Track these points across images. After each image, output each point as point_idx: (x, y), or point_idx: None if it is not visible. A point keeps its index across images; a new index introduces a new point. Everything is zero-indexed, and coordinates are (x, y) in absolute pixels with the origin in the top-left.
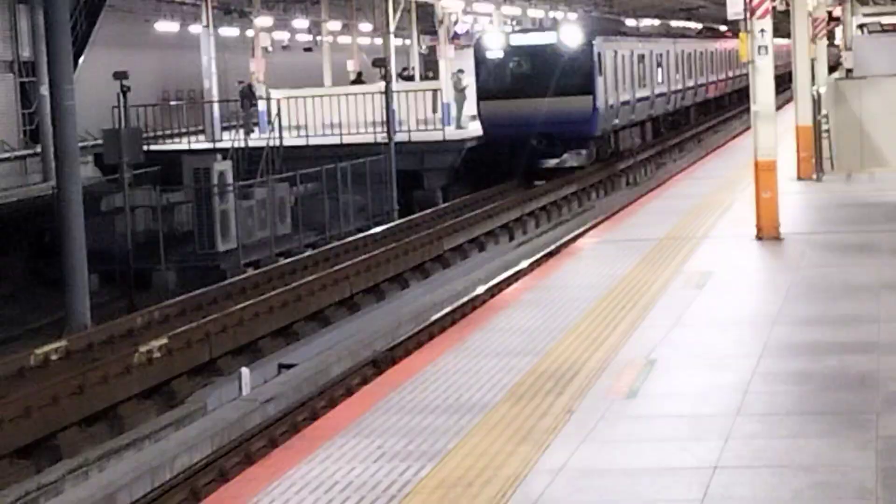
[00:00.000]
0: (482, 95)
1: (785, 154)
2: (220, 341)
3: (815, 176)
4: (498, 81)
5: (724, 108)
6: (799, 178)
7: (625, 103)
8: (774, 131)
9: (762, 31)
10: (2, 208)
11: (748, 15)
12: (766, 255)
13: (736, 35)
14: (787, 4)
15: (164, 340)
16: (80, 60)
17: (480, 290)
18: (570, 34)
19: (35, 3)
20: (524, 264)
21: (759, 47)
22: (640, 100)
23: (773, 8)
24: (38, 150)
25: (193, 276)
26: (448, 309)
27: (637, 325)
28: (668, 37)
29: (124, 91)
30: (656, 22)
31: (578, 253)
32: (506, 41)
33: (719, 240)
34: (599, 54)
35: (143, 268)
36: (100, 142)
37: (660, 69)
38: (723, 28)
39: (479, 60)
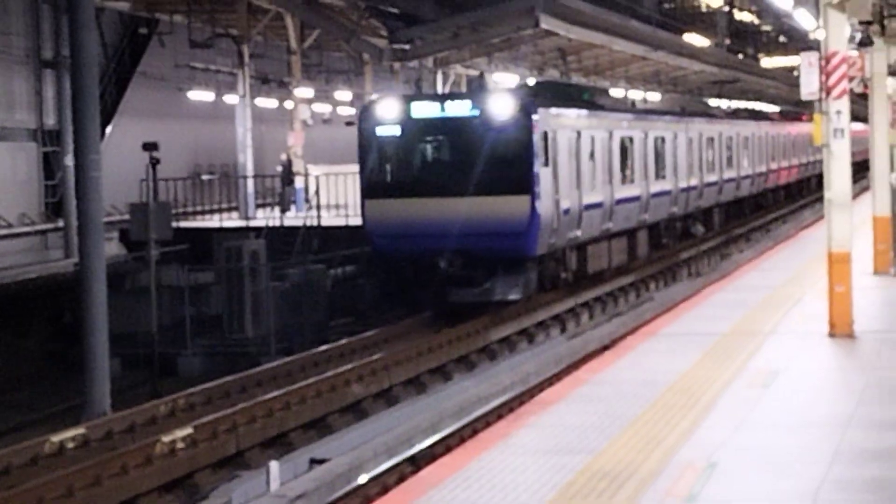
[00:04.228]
0: (368, 192)
1: (860, 246)
2: (248, 432)
3: (892, 270)
4: (391, 171)
5: (765, 208)
6: (875, 273)
7: (592, 206)
8: (850, 221)
9: (839, 112)
10: (20, 286)
11: (824, 95)
12: (838, 353)
13: (792, 117)
14: (866, 87)
15: (188, 430)
16: (108, 130)
17: (529, 384)
18: (498, 103)
19: (62, 69)
20: (576, 358)
21: (836, 130)
22: (621, 201)
23: (850, 90)
24: (61, 224)
25: (221, 363)
26: (494, 403)
27: (698, 425)
28: (677, 115)
29: (154, 163)
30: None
31: (635, 347)
32: (405, 112)
33: (788, 336)
34: (546, 133)
35: (168, 352)
36: (126, 217)
37: (660, 158)
38: (771, 108)
39: (366, 139)
